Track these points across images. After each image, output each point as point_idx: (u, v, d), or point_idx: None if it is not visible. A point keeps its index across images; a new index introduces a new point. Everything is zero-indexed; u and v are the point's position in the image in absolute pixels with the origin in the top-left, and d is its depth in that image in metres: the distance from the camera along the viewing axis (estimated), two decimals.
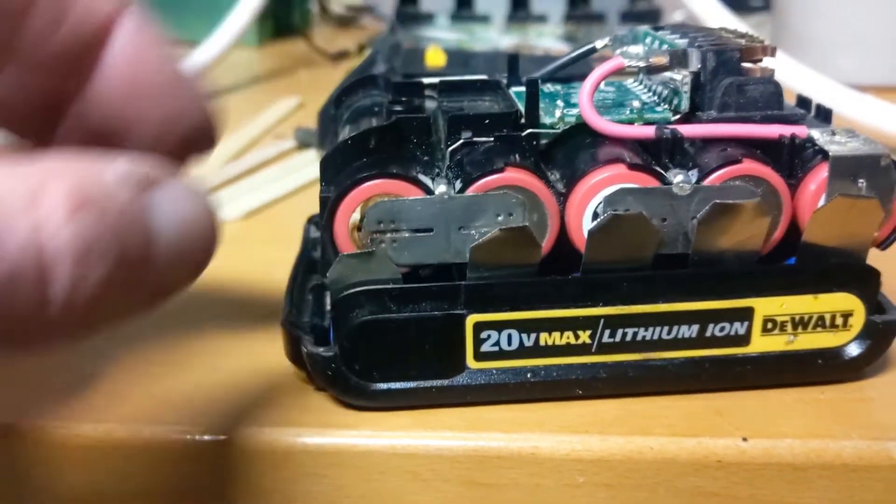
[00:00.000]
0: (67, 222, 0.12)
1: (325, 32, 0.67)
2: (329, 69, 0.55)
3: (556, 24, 0.59)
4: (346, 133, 0.22)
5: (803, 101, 0.22)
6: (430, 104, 0.23)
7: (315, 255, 0.24)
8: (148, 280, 0.13)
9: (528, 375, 0.19)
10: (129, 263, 0.13)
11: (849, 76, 0.45)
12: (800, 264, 0.19)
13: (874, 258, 0.19)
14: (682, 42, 0.21)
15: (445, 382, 0.19)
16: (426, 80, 0.23)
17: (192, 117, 0.17)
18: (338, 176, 0.19)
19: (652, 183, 0.18)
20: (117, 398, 0.20)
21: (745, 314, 0.19)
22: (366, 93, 0.23)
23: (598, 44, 0.23)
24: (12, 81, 0.17)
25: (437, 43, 0.54)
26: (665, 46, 0.21)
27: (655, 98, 0.21)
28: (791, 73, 0.39)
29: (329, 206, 0.18)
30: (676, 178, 0.18)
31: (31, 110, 0.18)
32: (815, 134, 0.19)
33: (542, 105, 0.20)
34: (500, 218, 0.18)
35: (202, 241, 0.14)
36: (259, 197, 0.32)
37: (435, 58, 0.35)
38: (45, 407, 0.19)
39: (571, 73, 0.24)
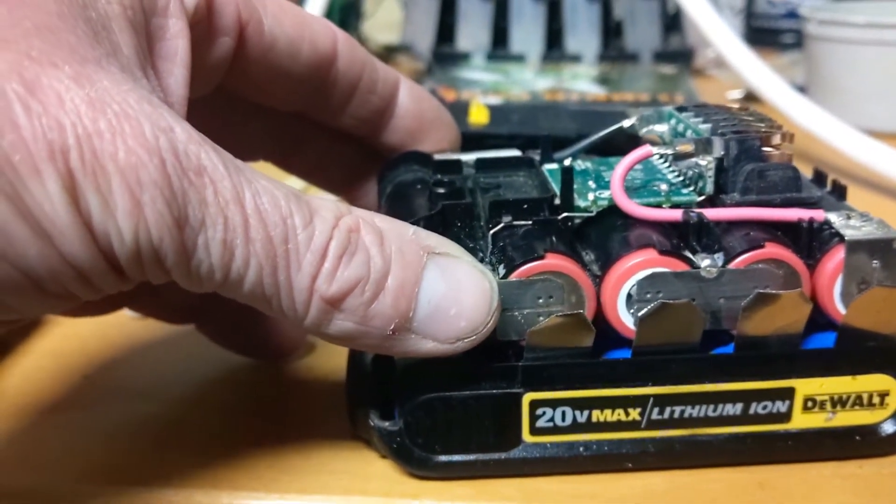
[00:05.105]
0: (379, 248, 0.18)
1: None
2: None
3: (590, 64, 0.60)
4: (387, 208, 0.24)
5: (819, 176, 0.23)
6: (468, 170, 0.25)
7: None
8: (403, 321, 0.18)
9: (581, 449, 0.20)
10: (397, 295, 0.18)
11: (879, 123, 0.46)
12: (839, 348, 0.20)
13: None
14: (704, 127, 0.22)
15: (503, 455, 0.20)
16: (464, 158, 0.25)
17: (450, 134, 0.27)
18: None
19: (681, 267, 0.20)
20: (191, 464, 0.21)
21: (787, 393, 0.20)
22: (407, 167, 0.25)
23: (626, 123, 0.25)
24: (327, 146, 0.26)
25: (474, 85, 0.55)
26: (689, 132, 0.22)
27: (681, 178, 0.22)
28: (816, 123, 0.40)
29: None
30: (704, 262, 0.20)
31: (340, 164, 0.27)
32: (832, 217, 0.20)
33: (575, 186, 0.21)
34: (540, 301, 0.20)
35: (461, 318, 0.18)
36: None
37: (479, 115, 0.36)
38: (124, 473, 0.21)
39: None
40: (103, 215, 0.15)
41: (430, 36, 0.64)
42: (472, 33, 0.64)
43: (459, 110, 0.37)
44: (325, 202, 0.18)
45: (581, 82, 0.55)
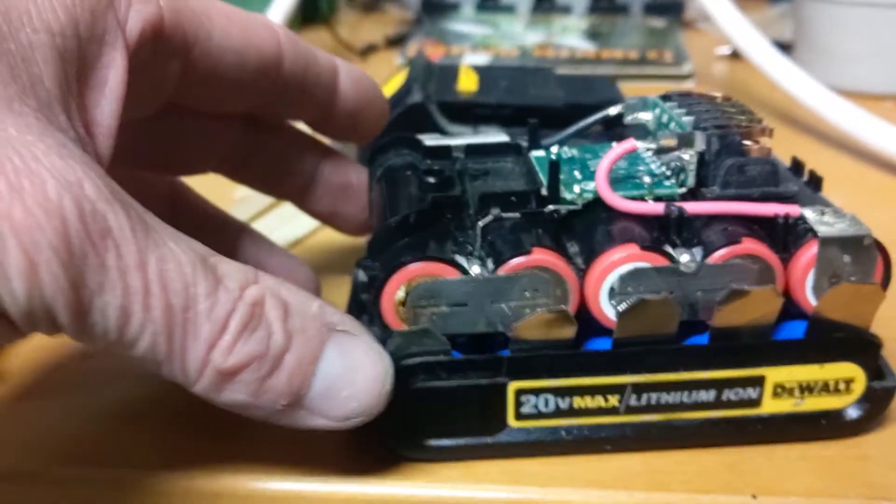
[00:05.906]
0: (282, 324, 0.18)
1: (351, 19, 0.68)
2: (358, 63, 0.57)
3: (580, 17, 0.60)
4: (378, 192, 0.25)
5: (797, 165, 0.24)
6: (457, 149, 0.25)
7: (364, 298, 0.26)
8: (295, 398, 0.18)
9: (563, 433, 0.21)
10: (293, 372, 0.18)
11: (866, 85, 0.46)
12: (808, 338, 0.21)
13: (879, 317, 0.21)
14: (687, 119, 0.23)
15: (489, 440, 0.21)
16: (453, 143, 0.25)
17: (383, 112, 0.27)
18: (384, 254, 0.21)
19: (661, 261, 0.21)
20: (193, 448, 0.22)
21: (758, 381, 0.21)
22: (397, 152, 0.26)
23: (612, 111, 0.26)
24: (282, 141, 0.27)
25: (463, 40, 0.55)
26: (673, 124, 0.23)
27: (663, 169, 0.23)
28: (797, 84, 0.41)
29: (377, 285, 0.21)
30: (683, 257, 0.21)
31: (291, 171, 0.27)
32: (807, 213, 0.21)
33: (561, 176, 0.22)
34: (527, 293, 0.21)
35: (353, 400, 0.19)
36: (303, 225, 0.33)
37: (467, 81, 0.37)
38: (126, 456, 0.22)
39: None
40: None
41: None
42: None
43: (448, 76, 0.38)
44: (235, 269, 0.18)
45: (571, 37, 0.55)
